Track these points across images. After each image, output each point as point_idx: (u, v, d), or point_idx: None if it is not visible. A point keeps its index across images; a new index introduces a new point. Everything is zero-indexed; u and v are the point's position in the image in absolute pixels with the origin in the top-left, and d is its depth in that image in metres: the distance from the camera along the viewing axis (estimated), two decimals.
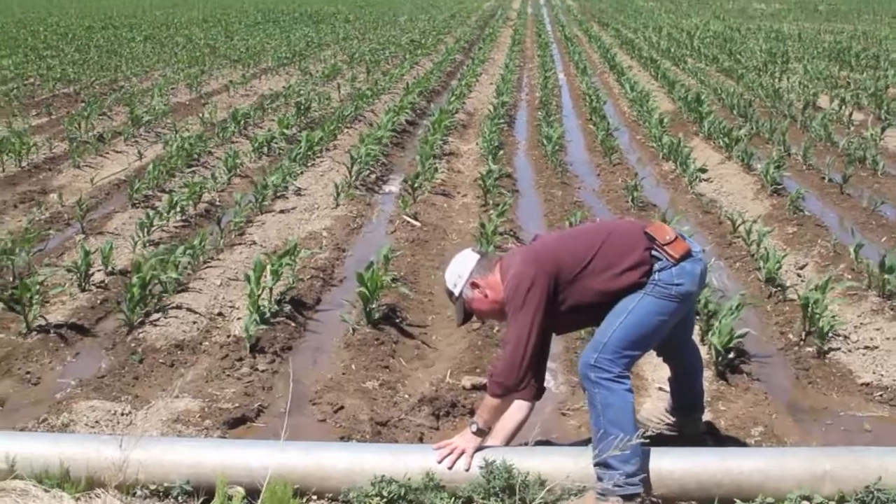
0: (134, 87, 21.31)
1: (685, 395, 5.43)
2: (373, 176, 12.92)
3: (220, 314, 7.78)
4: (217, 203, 11.45)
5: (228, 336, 7.29)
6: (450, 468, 4.69)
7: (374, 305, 7.52)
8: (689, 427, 5.46)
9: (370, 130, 15.22)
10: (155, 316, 7.54)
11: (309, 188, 12.09)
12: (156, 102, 18.44)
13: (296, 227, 10.44)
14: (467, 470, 4.68)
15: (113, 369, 6.65)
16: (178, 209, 10.43)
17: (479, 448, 4.79)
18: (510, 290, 4.72)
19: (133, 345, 7.09)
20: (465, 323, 5.25)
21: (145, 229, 9.61)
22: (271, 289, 7.77)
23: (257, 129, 16.00)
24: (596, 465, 4.57)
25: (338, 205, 11.23)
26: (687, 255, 4.72)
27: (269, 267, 7.77)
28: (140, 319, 7.43)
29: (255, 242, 9.72)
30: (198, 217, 10.79)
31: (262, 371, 6.70)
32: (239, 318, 7.59)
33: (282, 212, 10.96)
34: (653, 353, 5.33)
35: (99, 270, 8.62)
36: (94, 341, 7.26)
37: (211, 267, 8.83)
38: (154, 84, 21.59)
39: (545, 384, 5.23)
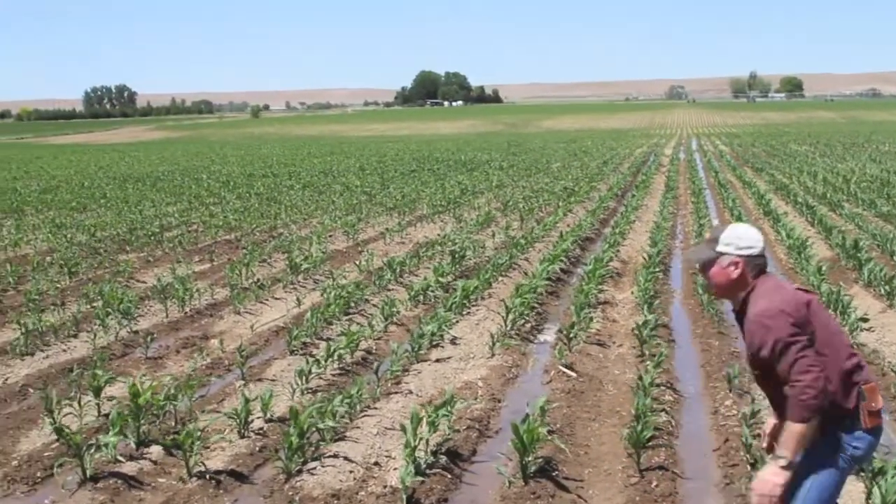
0: (293, 235, 21.84)
1: None
2: (527, 325, 12.91)
3: (376, 464, 7.80)
4: (374, 351, 11.57)
5: (385, 487, 7.29)
6: None
7: (529, 458, 7.46)
8: None
9: (525, 279, 15.27)
10: (312, 464, 7.60)
11: (464, 337, 12.14)
12: (314, 250, 18.86)
13: (451, 376, 10.46)
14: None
15: None
16: (336, 357, 10.57)
17: None
18: (776, 327, 4.65)
19: (291, 493, 7.15)
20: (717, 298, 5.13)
21: (304, 377, 9.76)
22: (427, 440, 7.76)
23: (413, 277, 16.19)
24: None
25: (493, 354, 11.24)
26: (877, 429, 4.75)
27: (425, 418, 7.78)
28: (298, 468, 7.50)
29: (411, 391, 9.77)
30: (355, 365, 10.93)
31: None
32: (395, 469, 7.59)
33: (437, 361, 11.01)
34: None
35: (258, 417, 8.75)
36: (252, 489, 7.34)
37: (368, 416, 8.89)
38: (312, 231, 22.12)
39: None
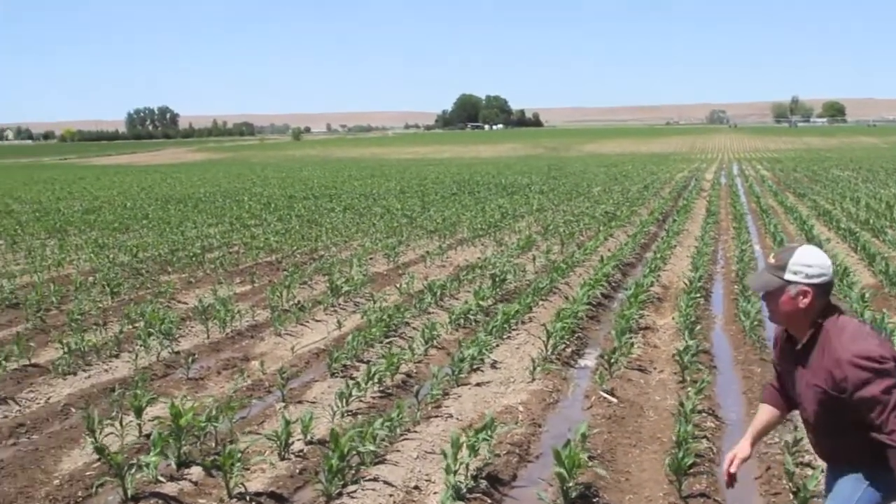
0: (333, 257, 21.90)
1: None
2: (568, 350, 12.86)
3: (416, 488, 7.77)
4: (414, 374, 11.56)
5: None
6: None
7: (570, 484, 7.41)
8: None
9: (565, 303, 15.22)
10: (352, 488, 7.59)
11: (505, 361, 12.11)
12: (354, 272, 18.91)
13: (492, 400, 10.43)
14: None
15: None
16: (376, 380, 10.57)
17: None
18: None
19: None
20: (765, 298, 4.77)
21: (344, 399, 9.77)
22: (468, 464, 7.73)
23: (453, 301, 16.19)
24: None
25: (534, 379, 11.20)
26: None
27: (465, 442, 7.75)
28: (338, 491, 7.49)
29: (451, 415, 9.75)
30: (395, 388, 10.92)
31: None
32: (435, 493, 7.57)
33: (478, 385, 10.98)
34: None
35: (299, 439, 8.76)
36: None
37: (408, 439, 8.87)
38: (353, 254, 22.20)
39: None
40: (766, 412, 5.15)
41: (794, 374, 4.75)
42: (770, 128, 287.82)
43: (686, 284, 16.76)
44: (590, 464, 7.90)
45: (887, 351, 4.38)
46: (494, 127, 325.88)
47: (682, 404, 9.25)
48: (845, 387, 4.38)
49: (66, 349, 12.20)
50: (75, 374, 11.80)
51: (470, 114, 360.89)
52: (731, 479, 5.10)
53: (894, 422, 4.29)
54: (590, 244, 23.63)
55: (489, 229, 28.11)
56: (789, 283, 4.57)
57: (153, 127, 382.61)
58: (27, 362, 12.31)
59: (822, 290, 4.57)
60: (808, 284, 4.54)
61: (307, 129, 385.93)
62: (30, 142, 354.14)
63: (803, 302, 4.55)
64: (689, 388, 10.17)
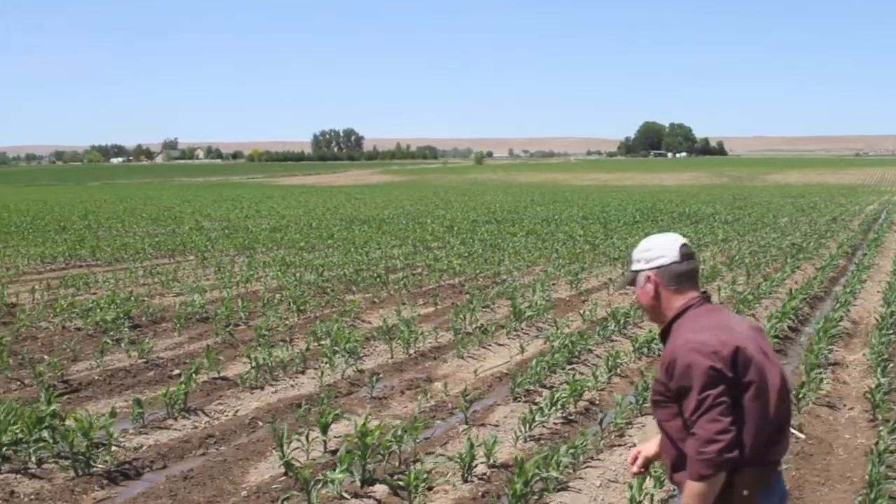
0: (516, 282, 21.91)
1: None
2: None
3: None
4: (597, 402, 11.47)
5: None
6: None
7: None
8: None
9: None
10: None
11: None
12: (537, 297, 18.88)
13: None
14: None
15: None
16: (559, 405, 10.51)
17: None
18: (696, 374, 4.01)
19: None
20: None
21: (527, 424, 9.75)
22: (652, 495, 7.62)
23: (637, 329, 16.02)
24: None
25: None
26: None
27: (652, 473, 7.63)
28: None
29: (634, 444, 9.62)
30: (577, 415, 10.85)
31: None
32: None
33: None
34: None
35: (482, 462, 8.76)
36: None
37: (591, 467, 8.81)
38: (535, 279, 22.18)
39: None
40: None
41: None
42: None
43: (878, 320, 16.23)
44: None
45: (726, 350, 4.03)
46: (678, 155, 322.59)
47: (876, 443, 8.95)
48: (670, 379, 4.12)
49: (253, 364, 12.50)
50: (262, 388, 12.08)
51: (653, 141, 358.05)
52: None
53: (701, 426, 3.98)
54: (776, 276, 23.08)
55: None
56: (637, 272, 4.39)
57: (338, 149, 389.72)
58: (216, 375, 12.67)
59: (667, 274, 4.31)
60: (650, 269, 4.32)
61: (489, 154, 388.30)
62: (219, 161, 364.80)
63: (648, 287, 4.34)
64: (882, 428, 9.82)
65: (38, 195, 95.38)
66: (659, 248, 4.36)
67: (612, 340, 15.04)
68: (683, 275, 4.32)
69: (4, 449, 9.09)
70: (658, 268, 4.32)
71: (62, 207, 64.09)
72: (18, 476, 8.73)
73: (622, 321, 15.94)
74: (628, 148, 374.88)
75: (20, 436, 9.33)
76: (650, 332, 14.93)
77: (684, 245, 4.35)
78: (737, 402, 4.02)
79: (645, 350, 14.13)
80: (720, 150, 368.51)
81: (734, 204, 64.81)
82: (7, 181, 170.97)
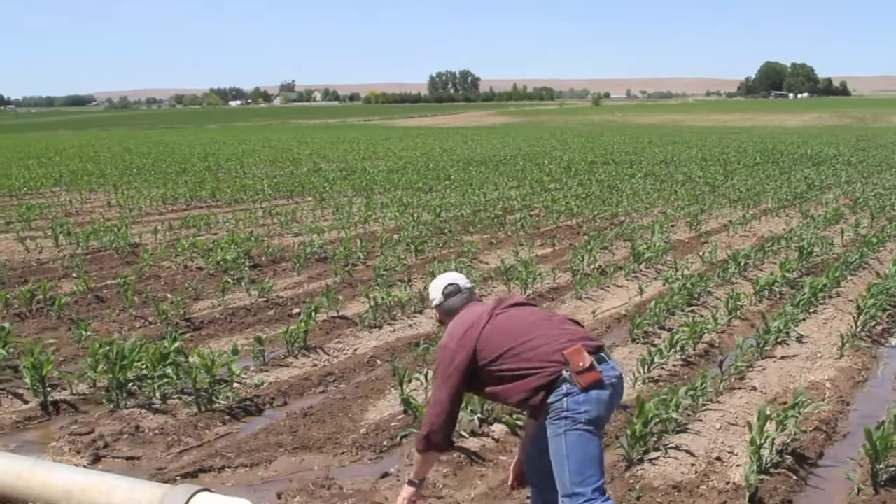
0: (634, 223, 21.74)
1: None
2: (879, 327, 12.28)
3: (718, 459, 7.62)
4: (716, 344, 11.33)
5: (727, 483, 7.11)
6: None
7: (881, 466, 7.10)
8: None
9: (876, 279, 14.59)
10: (653, 454, 7.53)
11: (811, 336, 11.71)
12: (656, 239, 18.71)
13: (797, 375, 10.10)
14: None
15: None
16: (679, 348, 10.41)
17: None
18: (438, 359, 5.41)
19: (631, 482, 7.09)
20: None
21: (646, 366, 9.69)
22: (773, 439, 7.51)
23: (757, 272, 15.78)
24: None
25: (842, 355, 10.77)
26: (596, 384, 5.05)
27: (773, 416, 7.52)
28: (639, 457, 7.44)
29: (755, 388, 9.51)
30: (697, 357, 10.74)
31: None
32: (738, 465, 7.41)
33: (782, 358, 10.67)
34: None
35: None
36: None
37: (710, 409, 8.72)
38: (654, 220, 21.98)
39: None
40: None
41: None
42: None
43: None
44: None
45: (462, 346, 5.30)
46: (799, 95, 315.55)
47: None
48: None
49: (372, 303, 12.60)
50: (380, 327, 12.18)
51: (774, 81, 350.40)
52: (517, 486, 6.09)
53: (433, 394, 5.45)
54: None
55: (794, 200, 27.29)
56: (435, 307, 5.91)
57: (454, 90, 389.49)
58: (335, 314, 12.80)
59: (442, 309, 5.81)
60: (434, 308, 5.90)
61: (606, 95, 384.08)
62: (336, 103, 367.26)
63: (440, 320, 5.92)
64: None
65: (159, 138, 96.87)
66: (432, 291, 5.88)
67: (733, 283, 14.83)
68: (454, 309, 5.71)
69: (130, 384, 9.33)
70: (435, 307, 5.86)
71: (182, 150, 65.01)
72: (143, 411, 8.93)
73: (742, 263, 15.71)
74: (748, 89, 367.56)
75: (145, 372, 9.57)
76: (771, 274, 14.72)
77: (448, 285, 5.77)
78: None
79: (766, 293, 13.91)
80: (843, 91, 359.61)
81: (857, 145, 63.26)
82: (129, 125, 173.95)
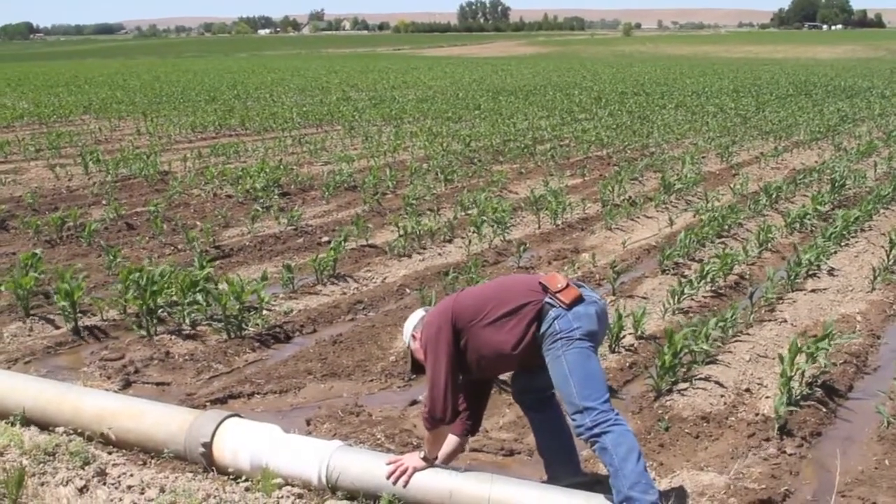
0: (665, 154, 21.62)
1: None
2: None
3: (747, 390, 7.60)
4: (747, 276, 11.27)
5: (756, 414, 7.09)
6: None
7: None
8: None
9: None
10: (682, 385, 7.51)
11: (842, 269, 11.63)
12: (686, 170, 18.58)
13: (828, 308, 10.04)
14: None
15: (639, 434, 6.62)
16: (709, 279, 10.37)
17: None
18: (423, 337, 5.43)
19: (660, 412, 7.09)
20: (415, 373, 5.87)
21: (676, 297, 9.65)
22: (803, 371, 7.48)
23: (789, 204, 15.68)
24: (620, 502, 4.98)
25: (873, 288, 10.70)
26: (578, 300, 5.25)
27: (804, 349, 7.48)
28: (668, 387, 7.42)
29: (785, 320, 9.46)
30: (727, 289, 10.70)
31: (790, 454, 6.42)
32: (767, 397, 7.38)
33: (813, 291, 10.60)
34: None
35: (629, 333, 8.72)
36: (620, 404, 7.29)
37: (740, 341, 8.69)
38: (685, 152, 21.83)
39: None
40: None
41: None
42: None
43: None
44: None
45: (443, 318, 5.37)
46: (833, 27, 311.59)
47: None
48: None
49: (401, 232, 12.60)
50: (410, 256, 12.18)
51: (807, 13, 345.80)
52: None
53: (428, 372, 5.41)
54: None
55: (827, 133, 27.03)
56: (409, 345, 5.71)
57: (484, 20, 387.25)
58: (364, 243, 12.82)
59: (419, 327, 5.61)
60: (412, 334, 5.65)
61: (638, 25, 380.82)
62: (365, 32, 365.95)
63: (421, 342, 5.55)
64: None
65: (187, 66, 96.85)
66: (405, 331, 5.74)
67: (764, 215, 14.75)
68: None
69: (160, 311, 9.36)
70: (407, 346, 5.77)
71: (211, 78, 64.99)
72: (173, 337, 8.98)
73: (774, 195, 15.62)
74: (781, 20, 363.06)
75: (175, 298, 9.61)
76: (803, 206, 14.63)
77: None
78: None
79: (797, 225, 13.83)
80: (878, 23, 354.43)
81: (892, 78, 62.47)
82: (157, 53, 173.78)
